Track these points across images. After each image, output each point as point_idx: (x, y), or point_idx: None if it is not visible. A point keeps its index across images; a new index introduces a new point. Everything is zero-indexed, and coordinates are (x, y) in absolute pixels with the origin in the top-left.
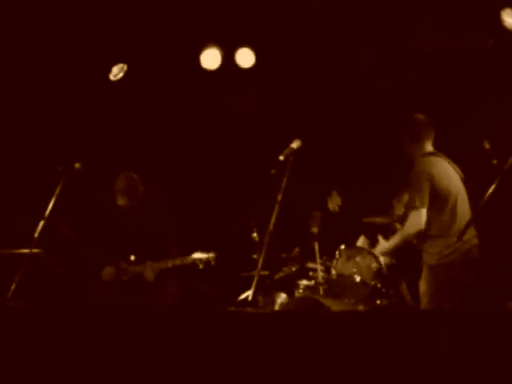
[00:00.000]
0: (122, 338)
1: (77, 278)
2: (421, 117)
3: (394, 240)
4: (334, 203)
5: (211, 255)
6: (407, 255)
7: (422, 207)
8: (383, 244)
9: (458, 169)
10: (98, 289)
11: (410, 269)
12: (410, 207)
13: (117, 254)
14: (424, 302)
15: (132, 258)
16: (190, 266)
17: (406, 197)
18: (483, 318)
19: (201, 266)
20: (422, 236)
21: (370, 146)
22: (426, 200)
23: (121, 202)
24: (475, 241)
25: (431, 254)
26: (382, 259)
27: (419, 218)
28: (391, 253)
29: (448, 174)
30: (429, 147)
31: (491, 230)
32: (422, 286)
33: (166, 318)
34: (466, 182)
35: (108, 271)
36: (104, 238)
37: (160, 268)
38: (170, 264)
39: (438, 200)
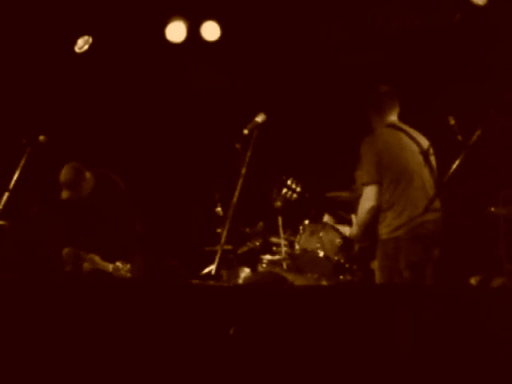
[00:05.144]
0: (87, 310)
1: (41, 251)
2: (384, 88)
3: (356, 223)
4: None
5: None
6: None
7: (371, 182)
8: (352, 229)
9: (422, 141)
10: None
11: None
12: (361, 184)
13: (77, 241)
14: (376, 276)
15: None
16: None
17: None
18: (446, 292)
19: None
20: (377, 211)
21: (335, 120)
22: (375, 174)
23: (65, 195)
24: (429, 216)
25: (382, 228)
26: (348, 233)
27: (370, 194)
28: (361, 236)
29: (401, 146)
30: (391, 118)
31: (455, 205)
32: (375, 260)
33: (130, 291)
34: (428, 155)
35: (66, 252)
36: (65, 223)
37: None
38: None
39: (388, 173)
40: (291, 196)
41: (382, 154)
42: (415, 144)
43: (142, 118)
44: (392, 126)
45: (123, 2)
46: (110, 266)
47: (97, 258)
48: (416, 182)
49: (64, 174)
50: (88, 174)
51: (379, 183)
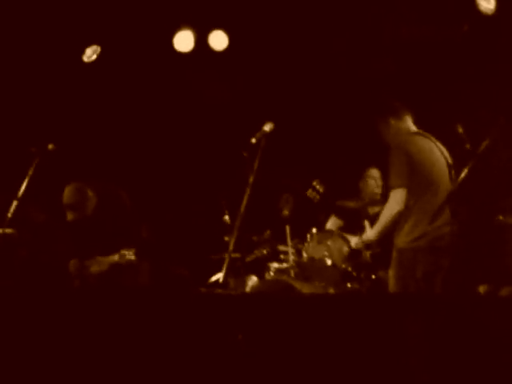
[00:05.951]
0: (93, 319)
1: (48, 259)
2: (396, 101)
3: (378, 225)
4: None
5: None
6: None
7: (400, 186)
8: (368, 232)
9: (446, 153)
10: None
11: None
12: (390, 187)
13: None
14: (390, 285)
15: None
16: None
17: (372, 179)
18: (455, 301)
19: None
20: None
21: (342, 129)
22: (405, 177)
23: (69, 217)
24: (448, 228)
25: (400, 236)
26: (353, 243)
27: (399, 197)
28: (377, 239)
29: (432, 154)
30: (413, 128)
31: (463, 213)
32: (390, 269)
33: (137, 299)
34: (452, 168)
35: (72, 264)
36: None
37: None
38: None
39: (415, 179)
40: (314, 197)
41: (413, 157)
42: (443, 156)
43: (149, 127)
44: (419, 133)
45: (131, 12)
46: (116, 256)
47: (100, 258)
48: (441, 194)
49: (67, 196)
50: (90, 192)
51: (408, 187)
